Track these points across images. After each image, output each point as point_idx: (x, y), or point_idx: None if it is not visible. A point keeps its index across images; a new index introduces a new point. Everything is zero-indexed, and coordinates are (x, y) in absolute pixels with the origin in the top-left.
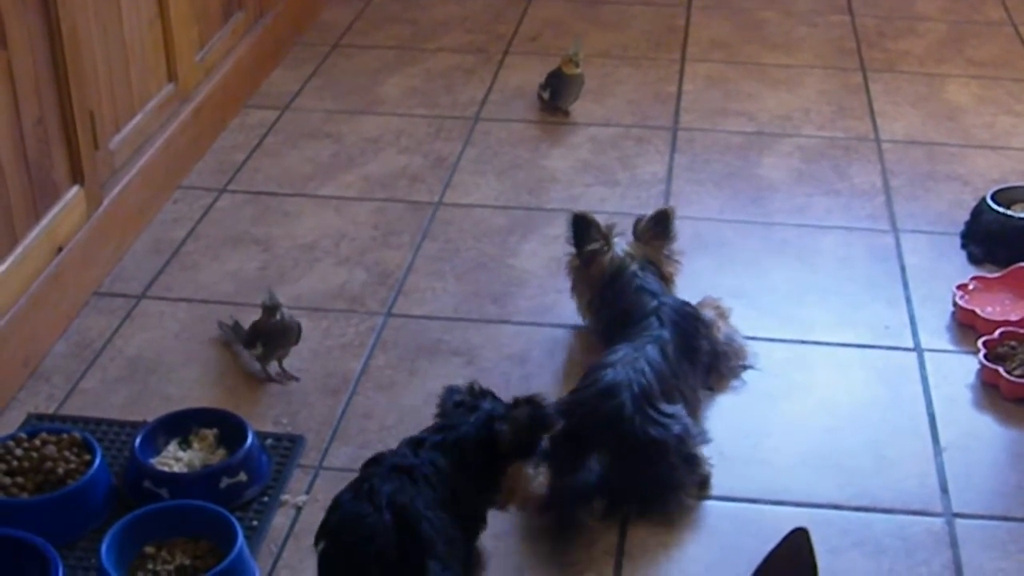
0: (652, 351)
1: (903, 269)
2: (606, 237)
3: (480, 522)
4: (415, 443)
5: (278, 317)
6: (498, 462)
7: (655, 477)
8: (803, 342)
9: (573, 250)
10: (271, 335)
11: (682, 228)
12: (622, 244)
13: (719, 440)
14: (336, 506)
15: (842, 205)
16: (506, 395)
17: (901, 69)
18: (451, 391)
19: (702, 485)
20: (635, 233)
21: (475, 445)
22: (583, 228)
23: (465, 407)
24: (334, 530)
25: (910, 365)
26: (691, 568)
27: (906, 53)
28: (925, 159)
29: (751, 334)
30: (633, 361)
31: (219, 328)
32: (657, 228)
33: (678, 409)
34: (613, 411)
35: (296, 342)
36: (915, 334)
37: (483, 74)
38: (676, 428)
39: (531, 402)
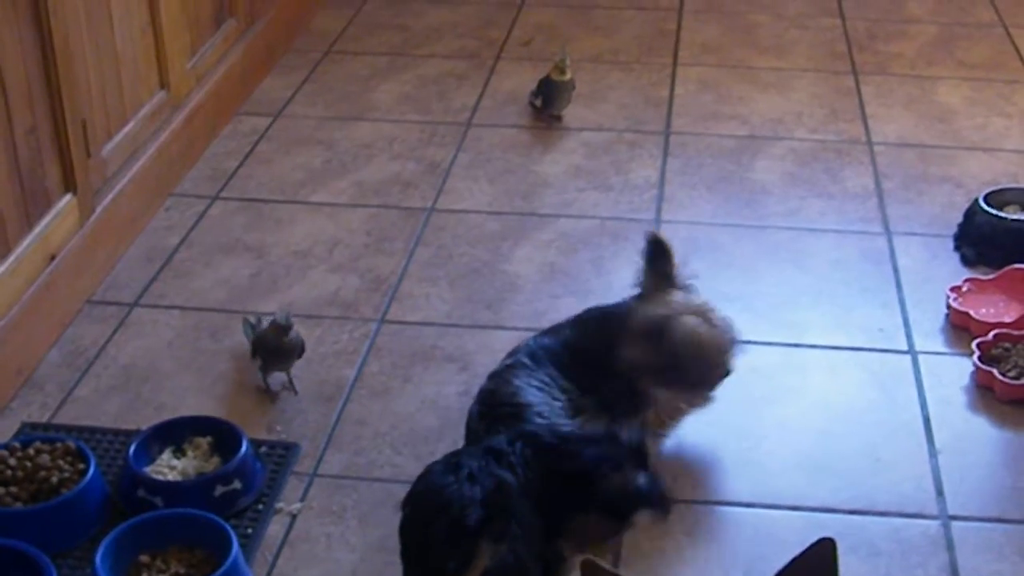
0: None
1: (896, 271)
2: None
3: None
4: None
5: (288, 337)
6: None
7: None
8: (797, 345)
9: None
10: (271, 352)
11: (675, 233)
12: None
13: (713, 444)
14: (424, 474)
15: (835, 208)
16: None
17: (892, 71)
18: None
19: None
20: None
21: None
22: (658, 255)
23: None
24: (414, 497)
25: (904, 368)
26: (687, 572)
27: (897, 55)
28: (917, 161)
29: (745, 338)
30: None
31: (243, 325)
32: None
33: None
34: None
35: (298, 357)
36: (909, 336)
37: (475, 80)
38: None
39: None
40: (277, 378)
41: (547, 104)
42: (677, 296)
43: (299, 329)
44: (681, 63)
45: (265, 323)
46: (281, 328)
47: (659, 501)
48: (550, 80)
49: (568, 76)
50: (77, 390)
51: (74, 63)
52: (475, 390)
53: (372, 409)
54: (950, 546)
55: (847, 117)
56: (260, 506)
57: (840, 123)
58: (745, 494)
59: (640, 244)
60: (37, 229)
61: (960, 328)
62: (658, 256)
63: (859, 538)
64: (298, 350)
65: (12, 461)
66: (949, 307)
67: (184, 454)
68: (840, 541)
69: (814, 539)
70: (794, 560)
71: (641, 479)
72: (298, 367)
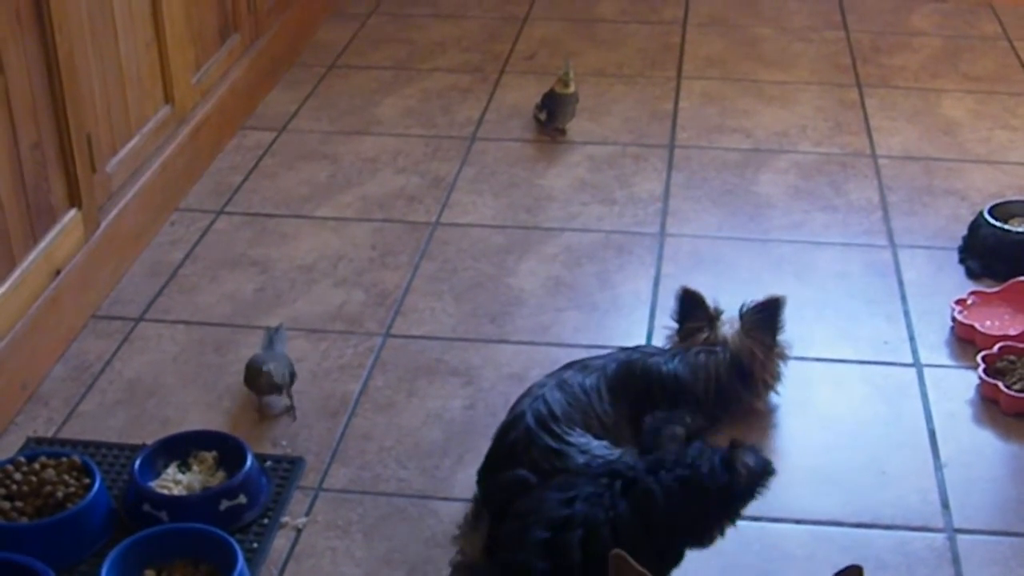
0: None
1: (901, 284)
2: (711, 318)
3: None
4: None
5: (262, 378)
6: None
7: None
8: (802, 358)
9: (675, 326)
10: (253, 388)
11: (680, 246)
12: (727, 330)
13: None
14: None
15: (839, 221)
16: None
17: (896, 84)
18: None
19: None
20: (740, 319)
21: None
22: (689, 305)
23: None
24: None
25: (910, 380)
26: None
27: (901, 68)
28: (922, 174)
29: None
30: (536, 394)
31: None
32: (763, 317)
33: (587, 440)
34: (522, 435)
35: (290, 384)
36: (914, 349)
37: (479, 93)
38: (575, 454)
39: (752, 449)
40: (277, 401)
41: (551, 117)
42: (724, 327)
43: (301, 343)
44: (685, 76)
45: (281, 333)
46: (253, 370)
47: (767, 463)
48: (554, 93)
49: (572, 89)
50: (82, 405)
51: (79, 78)
52: (480, 404)
53: (377, 423)
54: (956, 560)
55: (851, 130)
56: (265, 520)
57: (844, 136)
58: (751, 507)
59: (645, 257)
60: (42, 244)
61: (965, 341)
62: (694, 307)
63: (865, 552)
64: (275, 384)
65: (17, 476)
66: (954, 320)
67: (189, 468)
68: (845, 555)
69: (820, 552)
70: None
71: (749, 457)
72: (303, 381)
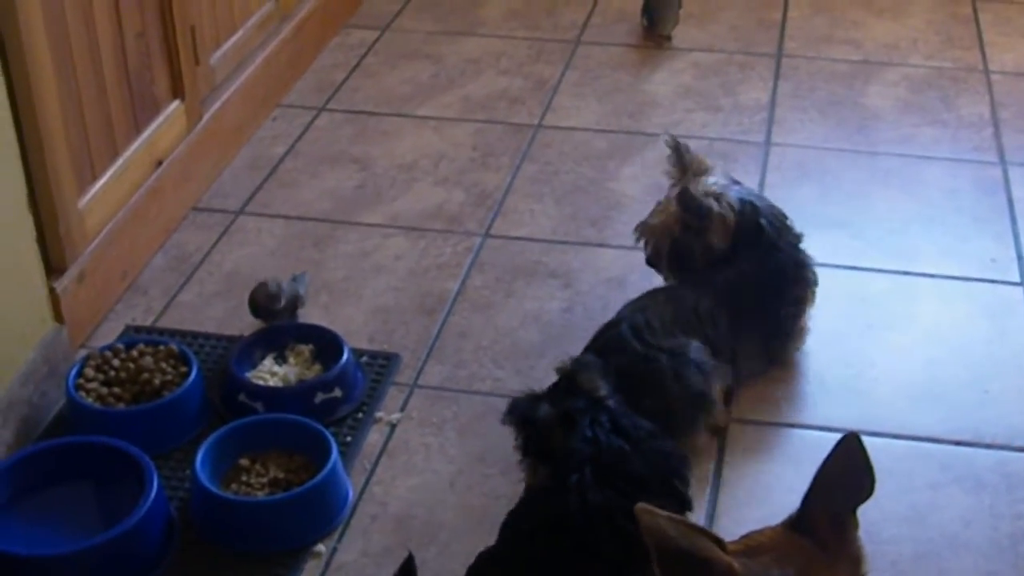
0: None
1: (1011, 203)
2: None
3: None
4: None
5: (278, 306)
6: None
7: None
8: (907, 273)
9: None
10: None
11: (785, 156)
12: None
13: (820, 369)
14: None
15: (949, 136)
16: (604, 319)
17: None
18: None
19: (713, 429)
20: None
21: None
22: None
23: None
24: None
25: (1016, 300)
26: (787, 498)
27: None
28: None
29: (854, 264)
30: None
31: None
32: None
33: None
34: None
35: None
36: (1022, 269)
37: None
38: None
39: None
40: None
41: (652, 23)
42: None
43: (400, 240)
44: None
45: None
46: (271, 296)
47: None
48: None
49: None
50: (181, 295)
51: None
52: (578, 307)
53: (474, 322)
54: None
55: (964, 44)
56: (360, 415)
57: (956, 50)
58: (849, 420)
59: (750, 166)
60: (145, 134)
61: None
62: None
63: (964, 470)
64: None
65: (116, 362)
66: None
67: (285, 360)
68: (944, 472)
69: (918, 468)
70: (825, 463)
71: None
72: (401, 278)
